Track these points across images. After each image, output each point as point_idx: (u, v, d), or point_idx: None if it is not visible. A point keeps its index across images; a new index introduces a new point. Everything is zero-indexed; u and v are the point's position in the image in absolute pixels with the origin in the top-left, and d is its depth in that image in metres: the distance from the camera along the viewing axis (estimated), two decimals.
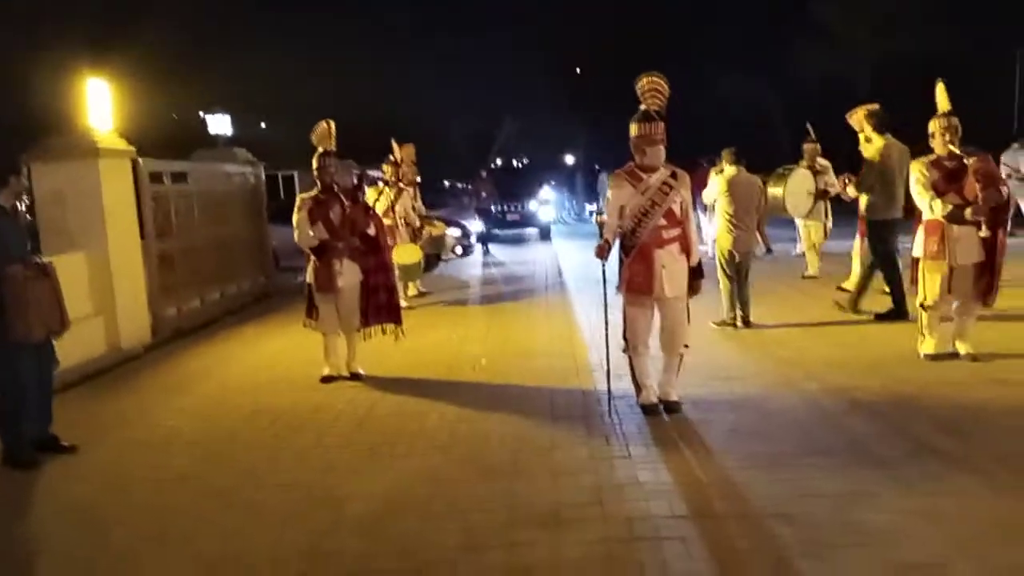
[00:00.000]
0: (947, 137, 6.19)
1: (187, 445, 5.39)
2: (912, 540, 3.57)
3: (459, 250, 17.24)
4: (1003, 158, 14.63)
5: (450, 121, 42.02)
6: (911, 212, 6.74)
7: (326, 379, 6.74)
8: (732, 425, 5.23)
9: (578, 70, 44.91)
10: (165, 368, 7.76)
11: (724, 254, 8.19)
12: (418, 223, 10.99)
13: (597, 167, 35.48)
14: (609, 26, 38.33)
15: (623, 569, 3.46)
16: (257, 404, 6.22)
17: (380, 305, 6.90)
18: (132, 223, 8.70)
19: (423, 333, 8.60)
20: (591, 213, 32.64)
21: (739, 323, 8.14)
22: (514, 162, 44.69)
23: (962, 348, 6.46)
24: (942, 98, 6.31)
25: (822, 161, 10.88)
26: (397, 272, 9.28)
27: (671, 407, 5.53)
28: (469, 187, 28.94)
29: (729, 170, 8.24)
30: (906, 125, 7.86)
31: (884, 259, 8.16)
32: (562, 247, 19.34)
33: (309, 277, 6.75)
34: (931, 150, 6.36)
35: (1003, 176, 7.34)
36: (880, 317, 8.08)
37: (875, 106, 8.19)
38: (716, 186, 8.37)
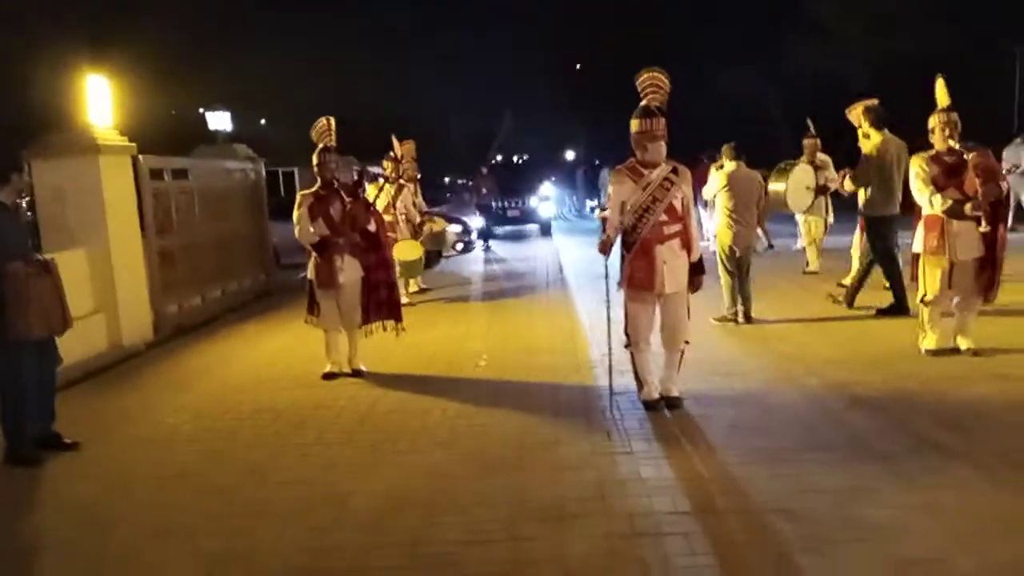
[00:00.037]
0: (947, 132, 6.20)
1: (189, 442, 5.40)
2: (913, 535, 3.58)
3: (460, 246, 17.25)
4: (1005, 153, 14.65)
5: (450, 118, 42.05)
6: (911, 208, 6.74)
7: (328, 376, 6.74)
8: (733, 421, 5.24)
9: (578, 66, 44.89)
10: (167, 365, 7.77)
11: (724, 250, 8.19)
12: (419, 219, 10.99)
13: (597, 162, 35.48)
14: (609, 25, 38.32)
15: (625, 564, 3.47)
16: (259, 401, 6.23)
17: (380, 301, 6.90)
18: (133, 220, 8.70)
19: (424, 330, 8.61)
20: (592, 209, 32.65)
21: (740, 319, 8.15)
22: (515, 158, 44.67)
23: (963, 343, 6.46)
24: (941, 94, 6.31)
25: (822, 156, 10.89)
26: (398, 268, 9.30)
27: (672, 403, 5.54)
28: (470, 183, 28.90)
29: (729, 165, 8.24)
30: (903, 122, 7.86)
31: (883, 255, 8.16)
32: (563, 243, 19.34)
33: (310, 273, 6.76)
34: (930, 146, 6.37)
35: (1004, 171, 7.34)
36: (881, 312, 8.09)
37: (874, 102, 8.19)
38: (716, 182, 8.37)
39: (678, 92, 5.49)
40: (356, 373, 6.80)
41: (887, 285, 8.27)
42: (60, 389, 5.74)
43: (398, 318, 6.99)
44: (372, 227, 6.84)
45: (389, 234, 8.72)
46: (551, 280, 12.62)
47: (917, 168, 6.32)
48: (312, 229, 6.61)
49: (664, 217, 5.38)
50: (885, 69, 25.06)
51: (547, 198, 24.11)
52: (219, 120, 17.40)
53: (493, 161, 34.02)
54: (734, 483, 4.26)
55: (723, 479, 4.33)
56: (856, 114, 8.21)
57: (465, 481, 4.45)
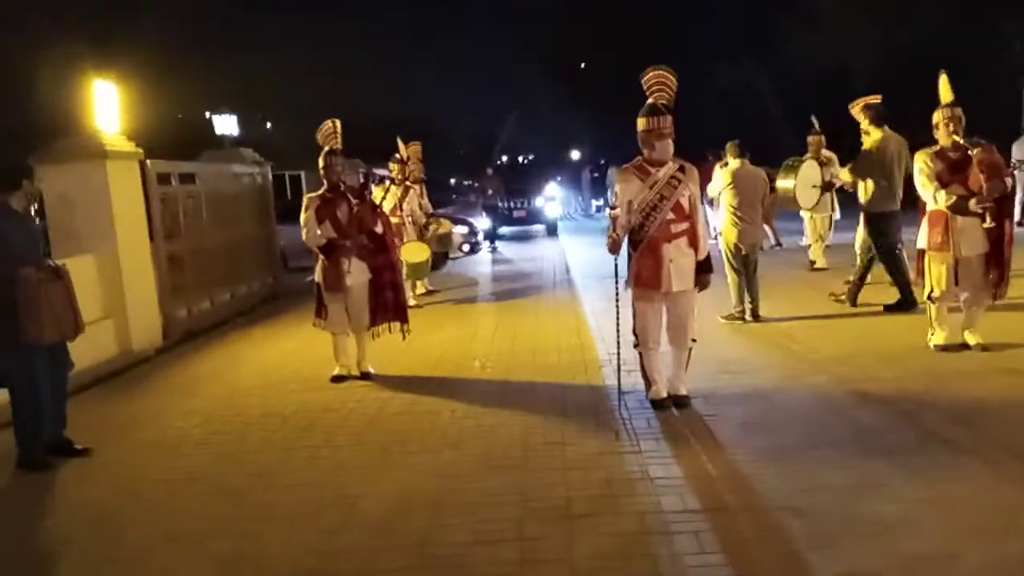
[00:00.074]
0: (951, 128, 6.19)
1: (198, 446, 5.42)
2: (922, 530, 3.57)
3: (466, 248, 17.27)
4: (1014, 148, 14.62)
5: (454, 119, 42.07)
6: (914, 204, 6.73)
7: (336, 379, 6.76)
8: (742, 419, 5.23)
9: (582, 65, 44.86)
10: (176, 370, 7.80)
11: (730, 248, 8.18)
12: (424, 221, 11.00)
13: (603, 161, 35.47)
14: (610, 24, 38.30)
15: (635, 563, 3.47)
16: (267, 405, 6.25)
17: (387, 304, 6.91)
18: (141, 225, 8.73)
19: (432, 331, 8.62)
20: (598, 209, 32.68)
21: (748, 316, 8.13)
22: (520, 159, 44.71)
23: (971, 339, 6.44)
24: (945, 90, 6.31)
25: (827, 153, 10.87)
26: (405, 270, 9.32)
27: (680, 401, 5.53)
28: (475, 184, 28.95)
29: (733, 163, 8.23)
30: (908, 117, 7.86)
31: (884, 251, 8.16)
32: (569, 243, 19.33)
33: (318, 276, 6.77)
34: (931, 143, 6.36)
35: (1011, 167, 7.33)
36: (889, 308, 8.07)
37: (874, 99, 8.19)
38: (720, 179, 8.36)
39: (680, 90, 5.49)
40: (365, 376, 6.81)
41: (892, 281, 8.25)
42: (71, 394, 5.76)
43: (404, 320, 7.00)
44: (379, 229, 6.85)
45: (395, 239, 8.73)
46: (558, 280, 12.63)
47: (921, 164, 6.30)
48: (319, 232, 6.62)
49: (671, 215, 5.37)
50: (889, 64, 24.99)
51: (553, 198, 24.14)
52: (226, 124, 17.49)
53: (498, 162, 34.08)
54: (743, 481, 4.26)
55: (732, 477, 4.33)
56: (857, 111, 8.21)
57: (474, 481, 4.46)
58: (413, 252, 10.20)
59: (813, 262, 11.42)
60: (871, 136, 8.03)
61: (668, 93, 5.40)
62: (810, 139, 10.92)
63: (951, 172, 6.18)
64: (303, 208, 6.71)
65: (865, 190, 8.12)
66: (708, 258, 5.57)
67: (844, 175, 8.27)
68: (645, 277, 5.42)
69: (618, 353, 5.73)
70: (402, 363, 7.20)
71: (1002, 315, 7.02)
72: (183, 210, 9.73)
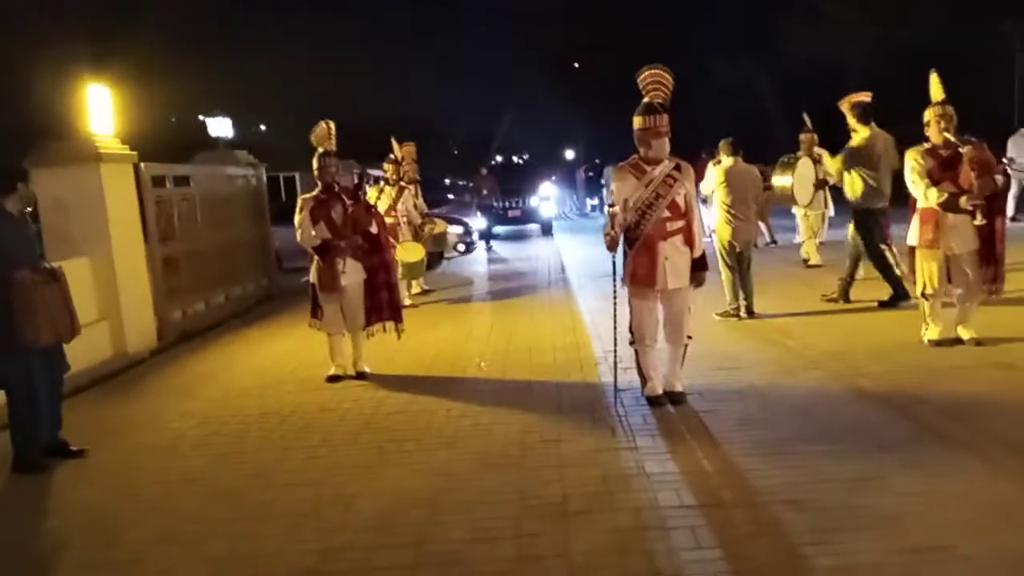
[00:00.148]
0: (942, 125, 6.22)
1: (195, 447, 5.42)
2: (919, 524, 3.58)
3: (461, 247, 17.27)
4: (1009, 144, 14.67)
5: (451, 119, 42.08)
6: (904, 201, 6.75)
7: (332, 379, 6.76)
8: (737, 414, 5.25)
9: (576, 65, 44.91)
10: (172, 371, 7.79)
11: (724, 245, 8.20)
12: (420, 221, 11.00)
13: (598, 161, 35.52)
14: (608, 23, 38.35)
15: (632, 558, 3.47)
16: (264, 405, 6.25)
17: (381, 303, 6.92)
18: (135, 227, 8.72)
19: (427, 331, 8.62)
20: (593, 208, 32.73)
21: (743, 313, 8.16)
22: (515, 158, 44.71)
23: (965, 334, 6.46)
24: (936, 88, 6.34)
25: (819, 150, 10.89)
26: (400, 270, 9.33)
27: (676, 398, 5.55)
28: (470, 184, 28.97)
29: (726, 161, 8.25)
30: (901, 114, 7.89)
31: (869, 248, 8.20)
32: (564, 243, 19.35)
33: (313, 277, 6.77)
34: (919, 141, 6.39)
35: (1005, 163, 7.37)
36: (883, 304, 8.09)
37: (864, 95, 8.23)
38: (713, 177, 8.37)
39: (679, 89, 5.49)
40: (360, 375, 6.81)
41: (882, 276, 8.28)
42: (66, 396, 5.76)
43: (399, 320, 7.01)
44: (374, 229, 6.85)
45: (390, 237, 8.74)
46: (553, 279, 12.64)
47: (912, 161, 6.33)
48: (314, 232, 6.62)
49: (667, 213, 5.38)
50: (882, 61, 25.06)
51: (548, 198, 24.15)
52: (220, 126, 17.47)
53: (493, 161, 34.09)
54: (739, 476, 4.27)
55: (728, 472, 4.34)
56: (846, 107, 8.25)
57: (470, 480, 4.46)
58: (408, 252, 10.21)
59: (807, 259, 11.45)
60: (858, 134, 8.09)
61: (664, 92, 5.40)
62: (802, 137, 10.94)
63: (942, 170, 6.21)
64: (298, 209, 6.71)
65: (852, 186, 8.17)
66: (704, 255, 5.58)
67: (828, 163, 8.31)
68: (641, 275, 5.43)
69: (615, 350, 5.74)
70: (398, 363, 7.20)
71: (995, 310, 7.04)
72: (177, 212, 9.72)
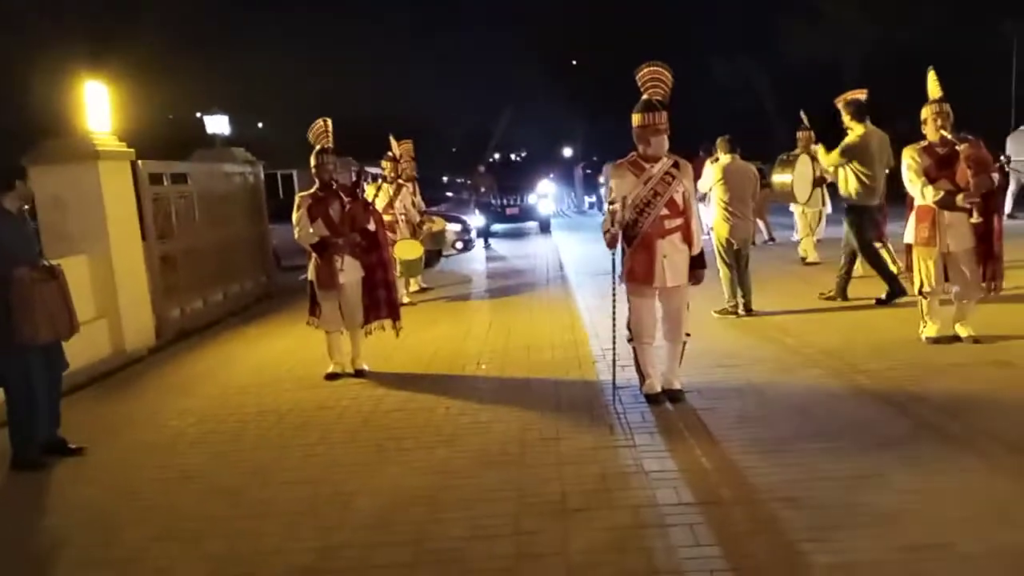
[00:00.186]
0: (939, 123, 6.23)
1: (193, 445, 5.41)
2: (917, 521, 3.59)
3: (459, 245, 17.27)
4: (1008, 141, 14.69)
5: (449, 117, 42.07)
6: (900, 199, 6.76)
7: (330, 376, 6.76)
8: (736, 412, 5.25)
9: (574, 63, 44.90)
10: (170, 369, 7.79)
11: (722, 242, 8.20)
12: (418, 219, 11.00)
13: (596, 158, 35.51)
14: (607, 21, 38.36)
15: (631, 556, 3.47)
16: (262, 403, 6.24)
17: (379, 301, 6.92)
18: (133, 225, 8.71)
19: (425, 329, 8.62)
20: (591, 205, 32.72)
21: (741, 311, 8.16)
22: (512, 156, 44.70)
23: (963, 332, 6.47)
24: (933, 86, 6.35)
25: (814, 147, 10.91)
26: (399, 268, 9.32)
27: (674, 395, 5.55)
28: (468, 182, 28.97)
29: (724, 158, 8.25)
30: (898, 111, 7.90)
31: (862, 245, 8.21)
32: (562, 240, 19.35)
33: (311, 275, 6.77)
34: (915, 139, 6.39)
35: (1002, 160, 7.38)
36: (881, 302, 8.10)
37: (860, 93, 8.24)
38: (711, 175, 8.38)
39: (678, 87, 5.49)
40: (359, 373, 6.81)
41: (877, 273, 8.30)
42: (65, 394, 5.75)
43: (397, 317, 7.00)
44: (372, 227, 6.85)
45: (389, 234, 8.74)
46: (551, 277, 12.63)
47: (909, 159, 6.34)
48: (312, 230, 6.61)
49: (665, 211, 5.38)
50: (882, 60, 25.07)
51: (546, 195, 24.15)
52: (217, 124, 17.46)
53: (491, 159, 34.05)
54: (738, 474, 4.28)
55: (726, 470, 4.34)
56: (842, 105, 8.27)
57: (469, 477, 4.46)
58: (406, 249, 10.21)
59: (804, 256, 11.46)
60: (853, 131, 8.12)
61: (663, 89, 5.40)
62: (799, 134, 10.96)
63: (939, 167, 6.22)
64: (295, 207, 6.70)
65: (846, 183, 8.19)
66: (702, 253, 5.58)
67: (823, 157, 8.34)
68: (639, 273, 5.43)
69: (613, 348, 5.74)
70: (396, 360, 7.20)
71: (993, 307, 7.05)
72: (175, 210, 9.70)
